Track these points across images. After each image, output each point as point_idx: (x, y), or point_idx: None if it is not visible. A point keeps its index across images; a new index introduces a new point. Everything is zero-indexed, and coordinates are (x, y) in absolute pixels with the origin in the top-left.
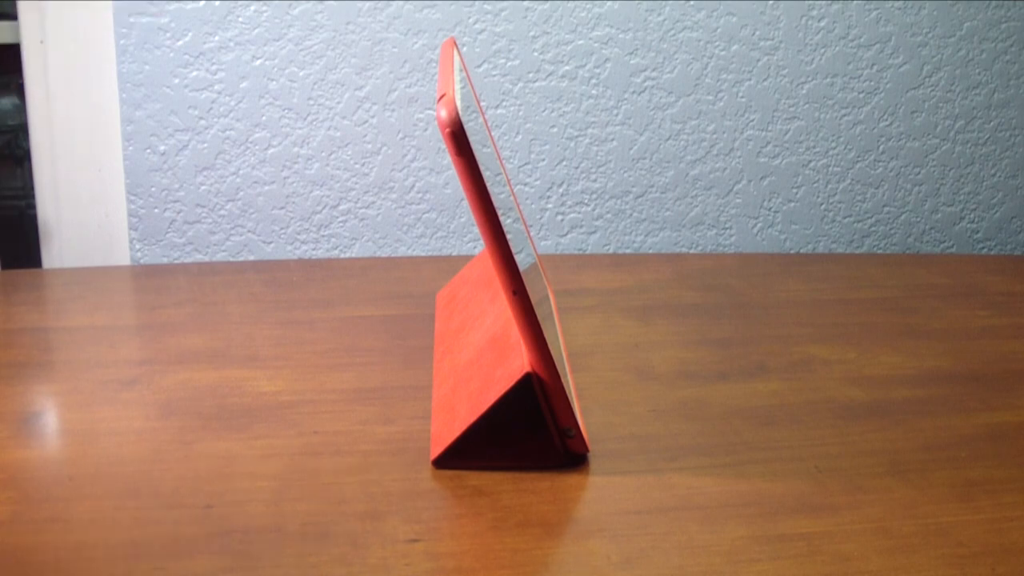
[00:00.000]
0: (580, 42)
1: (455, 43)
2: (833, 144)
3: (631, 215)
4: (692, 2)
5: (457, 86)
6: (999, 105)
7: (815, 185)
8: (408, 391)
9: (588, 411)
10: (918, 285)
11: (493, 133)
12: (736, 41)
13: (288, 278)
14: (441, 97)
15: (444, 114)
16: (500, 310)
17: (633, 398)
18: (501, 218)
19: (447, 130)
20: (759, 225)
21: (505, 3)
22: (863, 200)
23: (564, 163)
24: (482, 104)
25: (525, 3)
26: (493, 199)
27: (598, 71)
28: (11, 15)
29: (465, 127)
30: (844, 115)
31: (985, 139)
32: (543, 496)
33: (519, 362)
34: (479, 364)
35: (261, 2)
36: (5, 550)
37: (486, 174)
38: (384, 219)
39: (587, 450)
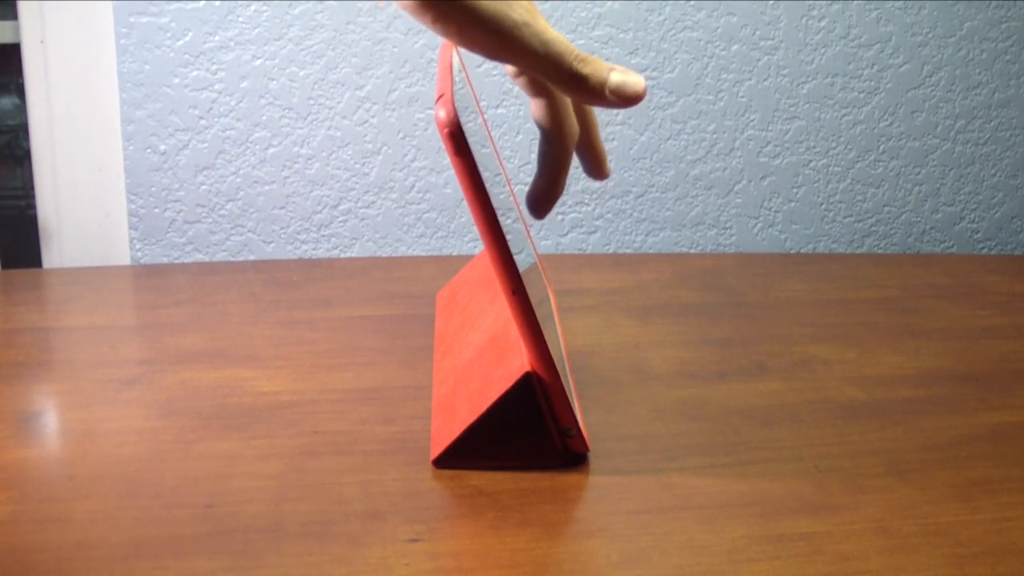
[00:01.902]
0: (580, 42)
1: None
2: (833, 144)
3: (631, 215)
4: (692, 2)
5: (456, 86)
6: (999, 105)
7: (815, 185)
8: (408, 391)
9: (588, 411)
10: (918, 285)
11: (493, 133)
12: (736, 41)
13: (288, 278)
14: (439, 98)
15: (442, 114)
16: (500, 310)
17: (633, 398)
18: (501, 218)
19: (445, 130)
20: (759, 225)
21: None
22: (863, 200)
23: None
24: (482, 104)
25: None
26: (492, 199)
27: None
28: (11, 15)
29: (464, 127)
30: (844, 115)
31: (985, 139)
32: (543, 496)
33: (519, 362)
34: (479, 364)
35: (261, 2)
36: (5, 550)
37: (485, 174)
38: (384, 219)
39: (587, 450)
